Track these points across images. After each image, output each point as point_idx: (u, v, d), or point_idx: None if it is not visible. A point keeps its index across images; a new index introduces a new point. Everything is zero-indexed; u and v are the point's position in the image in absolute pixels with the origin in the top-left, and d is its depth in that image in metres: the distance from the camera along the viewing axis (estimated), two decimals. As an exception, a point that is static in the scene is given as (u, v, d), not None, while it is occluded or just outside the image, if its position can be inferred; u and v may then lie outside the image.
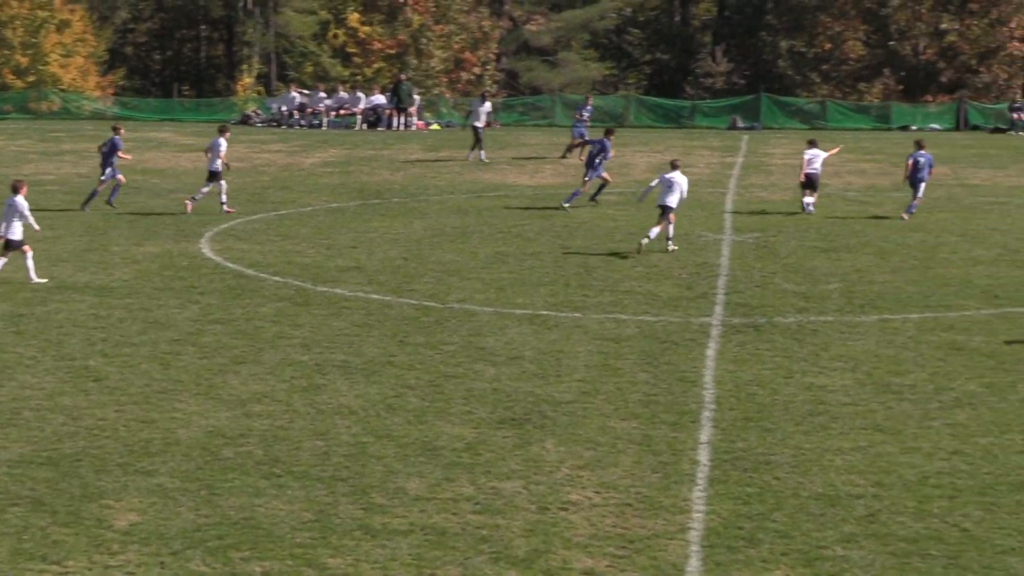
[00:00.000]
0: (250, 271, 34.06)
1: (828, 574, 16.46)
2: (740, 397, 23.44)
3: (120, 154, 44.06)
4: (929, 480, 19.47)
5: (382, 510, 17.65)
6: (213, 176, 42.99)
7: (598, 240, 38.95)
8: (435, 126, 75.99)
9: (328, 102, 76.37)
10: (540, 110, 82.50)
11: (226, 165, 43.46)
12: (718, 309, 30.24)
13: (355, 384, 23.75)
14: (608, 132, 45.59)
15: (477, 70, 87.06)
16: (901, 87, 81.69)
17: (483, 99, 62.03)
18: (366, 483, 18.64)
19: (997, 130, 73.62)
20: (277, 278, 33.14)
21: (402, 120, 73.37)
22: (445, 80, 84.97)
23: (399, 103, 73.85)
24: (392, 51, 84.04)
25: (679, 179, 37.22)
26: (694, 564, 16.62)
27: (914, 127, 74.29)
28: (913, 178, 42.88)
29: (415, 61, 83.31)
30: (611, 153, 44.88)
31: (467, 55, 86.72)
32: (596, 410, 22.67)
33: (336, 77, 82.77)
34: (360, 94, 76.78)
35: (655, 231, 36.58)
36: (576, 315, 29.65)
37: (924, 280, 33.38)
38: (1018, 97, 76.70)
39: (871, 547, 17.19)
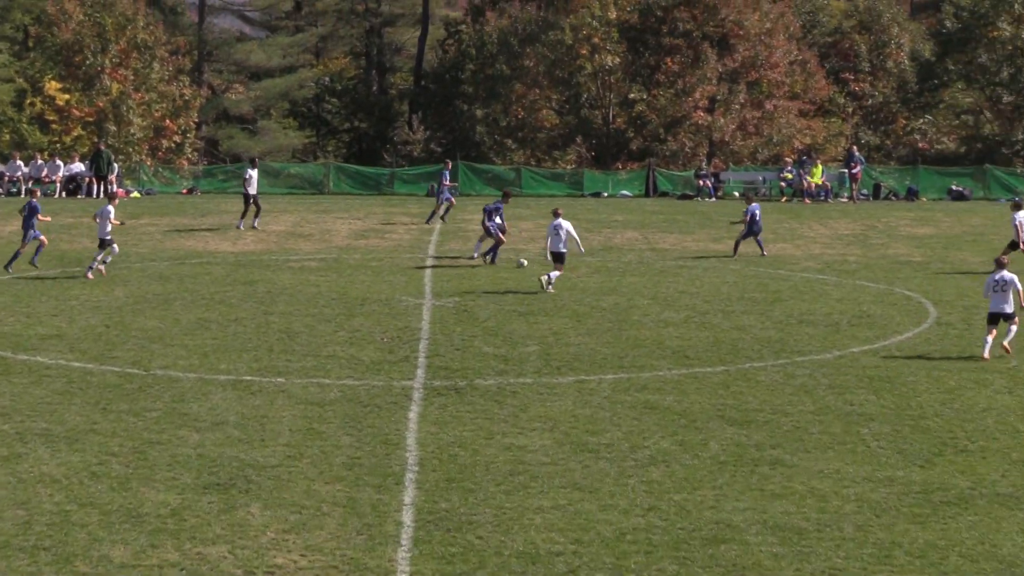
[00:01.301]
0: (-54, 339, 33.16)
1: (531, 630, 16.63)
2: (442, 458, 23.56)
3: (40, 216, 44.61)
4: (626, 536, 19.81)
5: (87, 578, 17.34)
6: None
7: (300, 305, 38.82)
8: (135, 194, 74.84)
9: (25, 170, 74.65)
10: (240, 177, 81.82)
11: None
12: (420, 372, 30.37)
13: (57, 452, 23.24)
14: (505, 195, 50.18)
15: (178, 138, 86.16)
16: (593, 154, 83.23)
17: (252, 164, 60.61)
18: (69, 551, 18.25)
19: (684, 196, 75.32)
20: (-26, 346, 32.31)
21: (102, 188, 72.06)
22: (145, 147, 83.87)
23: (98, 171, 72.62)
24: (91, 119, 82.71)
25: (564, 224, 41.81)
26: (400, 624, 16.66)
27: (606, 193, 75.78)
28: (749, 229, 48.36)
29: (114, 128, 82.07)
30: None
31: (168, 123, 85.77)
32: (301, 473, 22.57)
33: (34, 144, 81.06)
34: (59, 162, 75.31)
35: (555, 274, 41.32)
36: (280, 380, 29.49)
37: (618, 342, 34.00)
38: (703, 165, 78.69)
39: (572, 603, 17.42)
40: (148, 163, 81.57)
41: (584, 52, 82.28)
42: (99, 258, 43.73)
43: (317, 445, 24.35)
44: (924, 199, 75.48)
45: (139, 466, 22.52)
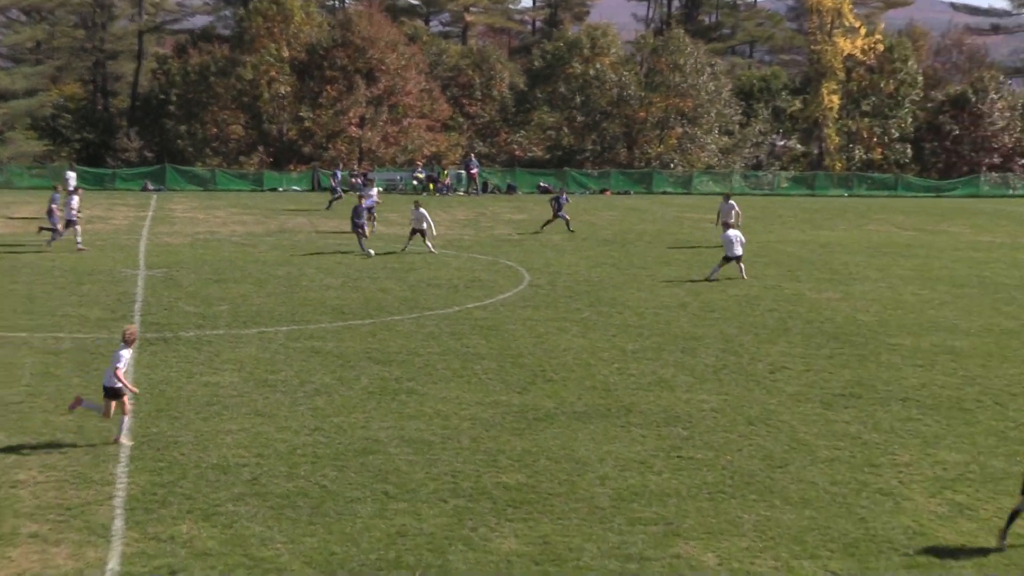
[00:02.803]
0: None
1: (223, 525, 16.29)
2: (153, 393, 22.91)
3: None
4: (297, 451, 19.59)
5: None
6: None
7: (39, 276, 37.12)
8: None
9: None
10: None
11: None
12: (135, 327, 29.41)
13: None
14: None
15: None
16: (271, 159, 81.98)
17: None
18: None
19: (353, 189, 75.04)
20: None
21: None
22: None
23: None
24: None
25: (423, 212, 44.35)
26: (119, 524, 16.14)
27: (281, 188, 74.87)
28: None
29: None
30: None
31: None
32: (40, 408, 21.66)
33: None
34: None
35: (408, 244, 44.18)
36: (23, 335, 28.19)
37: (290, 302, 33.58)
38: (355, 167, 78.34)
39: (255, 503, 17.14)
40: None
41: (264, 82, 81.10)
42: None
43: (53, 385, 23.41)
44: (520, 193, 76.67)
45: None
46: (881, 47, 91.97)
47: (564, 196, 53.54)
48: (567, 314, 32.38)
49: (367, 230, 45.40)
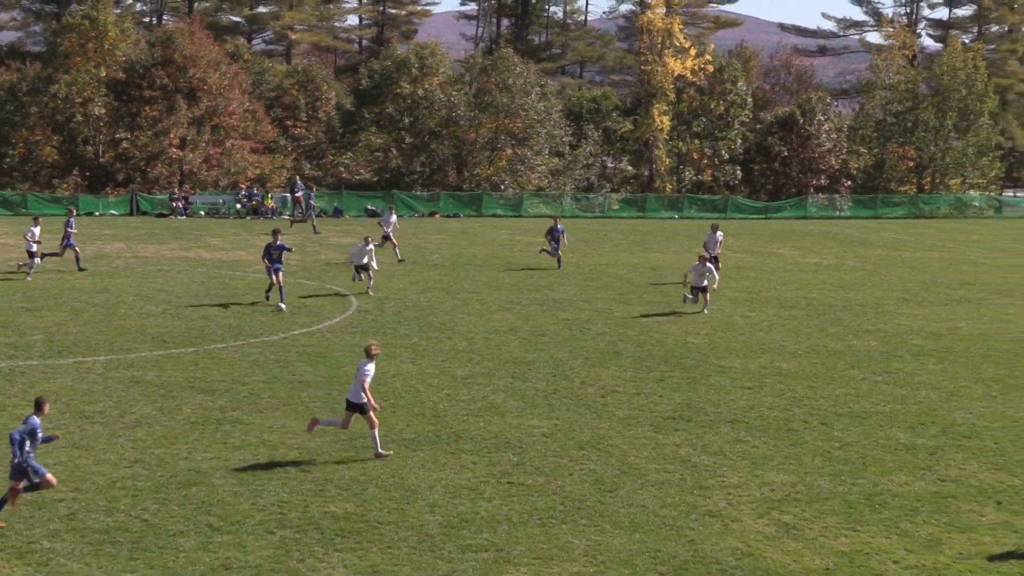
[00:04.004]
0: None
1: (38, 563, 16.06)
2: (-38, 429, 22.38)
3: None
4: (116, 484, 19.38)
5: None
6: None
7: None
8: None
9: None
10: None
11: None
12: (-58, 359, 28.70)
13: None
14: (276, 232, 39.12)
15: None
16: (87, 183, 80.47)
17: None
18: None
19: (161, 215, 74.04)
20: None
21: None
22: None
23: None
24: None
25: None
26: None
27: (98, 212, 73.53)
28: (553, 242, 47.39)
29: None
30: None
31: None
32: None
33: None
34: None
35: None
36: None
37: (109, 330, 33.09)
38: (176, 190, 77.37)
39: (71, 539, 16.93)
40: None
41: (78, 102, 79.52)
42: None
43: None
44: (347, 216, 76.61)
45: None
46: (711, 68, 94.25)
47: (559, 227, 50.01)
48: (396, 340, 32.54)
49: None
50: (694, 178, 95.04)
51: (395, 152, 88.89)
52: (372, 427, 21.29)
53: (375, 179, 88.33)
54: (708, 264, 38.49)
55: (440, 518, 18.27)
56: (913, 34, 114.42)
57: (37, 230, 44.60)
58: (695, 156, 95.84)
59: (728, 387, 27.71)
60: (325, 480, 19.90)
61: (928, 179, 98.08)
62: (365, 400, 21.03)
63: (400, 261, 50.29)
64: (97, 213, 73.82)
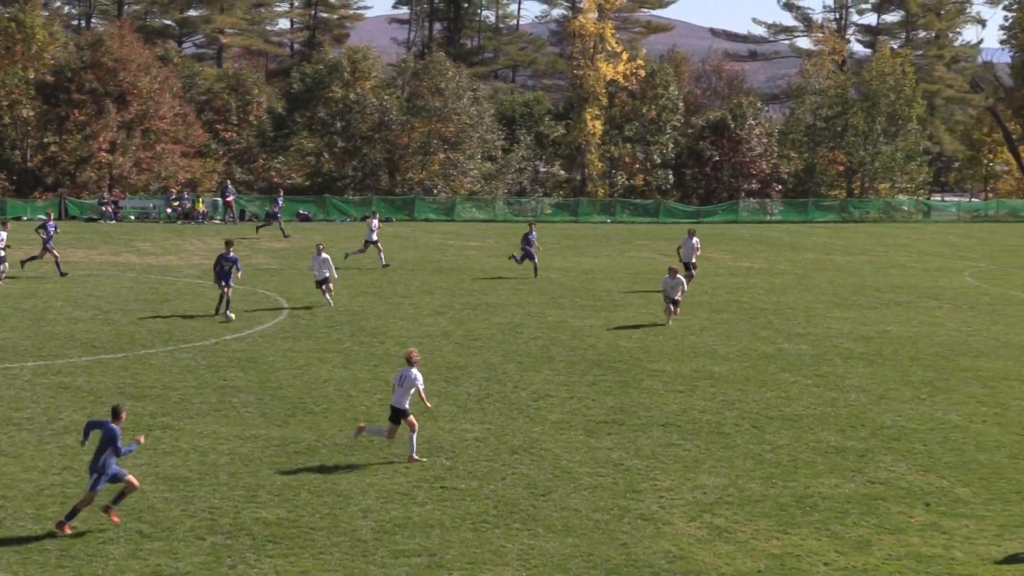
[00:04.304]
0: None
1: (-35, 572, 15.86)
2: None
3: None
4: (45, 491, 19.21)
5: None
6: None
7: None
8: None
9: None
10: None
11: None
12: None
13: None
14: (228, 243, 37.75)
15: None
16: (14, 187, 79.51)
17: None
18: None
19: (91, 219, 73.32)
20: None
21: None
22: None
23: None
24: None
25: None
26: None
27: (25, 217, 72.66)
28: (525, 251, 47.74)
29: None
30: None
31: None
32: None
33: None
34: None
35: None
36: None
37: (36, 336, 32.74)
38: (106, 194, 76.65)
39: (-1, 548, 16.74)
40: None
41: (5, 105, 78.58)
42: None
43: None
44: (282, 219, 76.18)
45: None
46: (643, 72, 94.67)
47: (533, 234, 49.53)
48: (328, 345, 32.44)
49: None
50: (626, 182, 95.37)
51: (327, 156, 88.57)
52: (412, 430, 21.74)
53: (307, 183, 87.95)
54: (679, 276, 37.80)
55: (373, 523, 18.25)
56: (842, 39, 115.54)
57: (4, 235, 43.89)
58: (627, 160, 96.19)
59: (660, 391, 27.88)
60: (257, 486, 19.81)
61: (858, 183, 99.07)
62: (407, 407, 21.56)
63: (385, 266, 50.14)
64: (25, 218, 72.92)
